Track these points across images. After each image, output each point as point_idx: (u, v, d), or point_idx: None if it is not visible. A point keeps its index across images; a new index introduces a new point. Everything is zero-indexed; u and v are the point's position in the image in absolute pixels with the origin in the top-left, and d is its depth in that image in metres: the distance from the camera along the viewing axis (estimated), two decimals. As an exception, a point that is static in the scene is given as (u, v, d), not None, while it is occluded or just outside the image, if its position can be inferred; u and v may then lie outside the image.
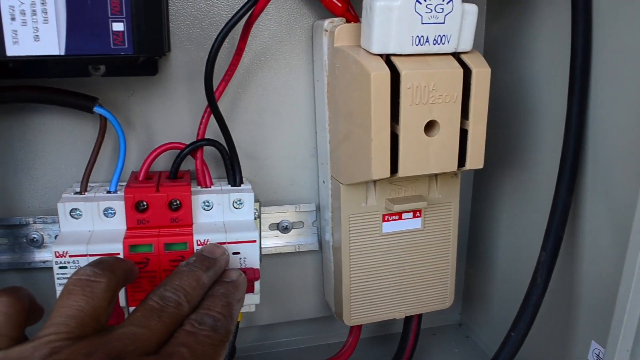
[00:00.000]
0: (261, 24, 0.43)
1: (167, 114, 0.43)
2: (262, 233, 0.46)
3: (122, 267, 0.31)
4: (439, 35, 0.35)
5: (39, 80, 0.39)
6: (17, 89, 0.38)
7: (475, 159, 0.38)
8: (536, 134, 0.44)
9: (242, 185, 0.41)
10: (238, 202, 0.40)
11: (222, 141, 0.41)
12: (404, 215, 0.43)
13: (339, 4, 0.39)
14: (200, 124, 0.41)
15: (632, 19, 0.34)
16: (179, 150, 0.40)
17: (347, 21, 0.39)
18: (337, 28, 0.38)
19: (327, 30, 0.40)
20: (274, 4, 0.43)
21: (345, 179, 0.41)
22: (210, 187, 0.41)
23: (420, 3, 0.34)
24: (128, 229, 0.37)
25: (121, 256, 0.36)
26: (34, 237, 0.43)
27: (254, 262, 0.37)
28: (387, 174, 0.36)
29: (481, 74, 0.36)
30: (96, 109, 0.38)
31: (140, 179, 0.39)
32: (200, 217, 0.39)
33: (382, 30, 0.34)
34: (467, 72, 0.36)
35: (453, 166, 0.38)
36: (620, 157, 0.36)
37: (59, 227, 0.37)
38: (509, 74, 0.47)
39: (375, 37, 0.35)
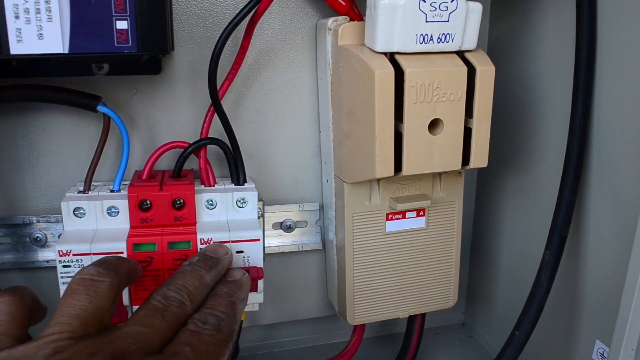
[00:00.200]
0: (265, 22, 0.43)
1: (171, 113, 0.43)
2: (265, 232, 0.46)
3: (126, 266, 0.31)
4: (443, 34, 0.35)
5: (43, 79, 0.39)
6: (21, 87, 0.38)
7: (480, 158, 0.38)
8: (540, 133, 0.44)
9: (245, 184, 0.41)
10: (241, 201, 0.40)
11: (226, 140, 0.41)
12: (408, 214, 0.43)
13: (343, 3, 0.39)
14: (204, 122, 0.41)
15: (636, 18, 0.34)
16: (182, 149, 0.40)
17: (351, 20, 0.39)
18: (341, 27, 0.38)
19: (330, 29, 0.40)
20: (277, 3, 0.43)
21: (349, 177, 0.41)
22: (213, 186, 0.41)
23: (424, 1, 0.34)
24: (131, 227, 0.37)
25: (125, 255, 0.35)
26: (38, 237, 0.43)
27: (257, 260, 0.37)
28: (391, 172, 0.36)
29: (485, 72, 0.36)
30: (99, 108, 0.38)
31: (144, 177, 0.39)
32: (204, 216, 0.39)
33: (386, 29, 0.34)
34: (471, 71, 0.36)
35: (457, 165, 0.38)
36: (625, 157, 0.36)
37: (63, 226, 0.37)
38: (512, 73, 0.47)
39: (380, 36, 0.35)
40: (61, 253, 0.35)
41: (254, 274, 0.36)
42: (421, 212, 0.43)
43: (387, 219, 0.43)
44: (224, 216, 0.40)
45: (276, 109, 0.45)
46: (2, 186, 0.42)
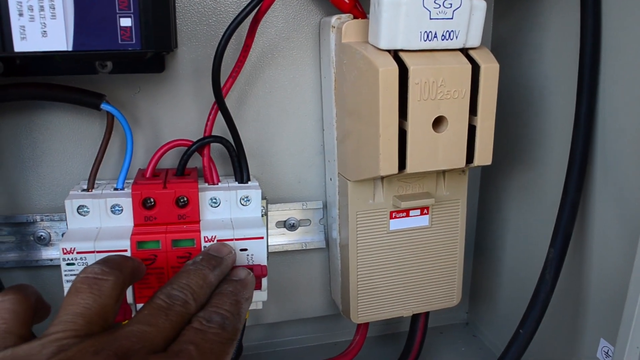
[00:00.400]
0: (268, 20, 0.43)
1: (174, 111, 0.43)
2: (268, 231, 0.46)
3: (130, 265, 0.31)
4: (447, 31, 0.35)
5: (46, 77, 0.39)
6: (24, 86, 0.38)
7: (484, 156, 0.38)
8: (544, 131, 0.44)
9: (249, 182, 0.41)
10: (245, 199, 0.40)
11: (229, 138, 0.41)
12: (412, 213, 0.43)
13: (347, 0, 0.39)
14: (208, 120, 0.41)
15: (641, 15, 0.34)
16: (186, 148, 0.40)
17: (355, 17, 0.39)
18: (344, 24, 0.38)
19: (334, 27, 0.40)
20: (281, 1, 0.43)
21: (353, 175, 0.41)
22: (217, 184, 0.41)
23: (428, -2, 0.34)
24: (135, 225, 0.37)
25: (129, 253, 0.35)
26: (41, 235, 0.43)
27: (261, 258, 0.37)
28: (395, 170, 0.36)
29: (490, 69, 0.36)
30: (103, 106, 0.38)
31: (148, 176, 0.39)
32: (208, 214, 0.39)
33: (390, 26, 0.34)
34: (475, 68, 0.36)
35: (461, 162, 0.38)
36: (629, 154, 0.36)
37: (67, 224, 0.37)
38: (516, 71, 0.46)
39: (383, 33, 0.34)
40: (65, 251, 0.35)
41: (257, 272, 0.36)
42: (425, 211, 0.43)
43: (391, 217, 0.43)
44: (228, 214, 0.40)
45: (279, 107, 0.45)
46: (6, 185, 0.42)
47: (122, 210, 0.38)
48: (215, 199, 0.39)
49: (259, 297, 0.39)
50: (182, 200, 0.38)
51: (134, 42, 0.31)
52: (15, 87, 0.38)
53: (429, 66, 0.35)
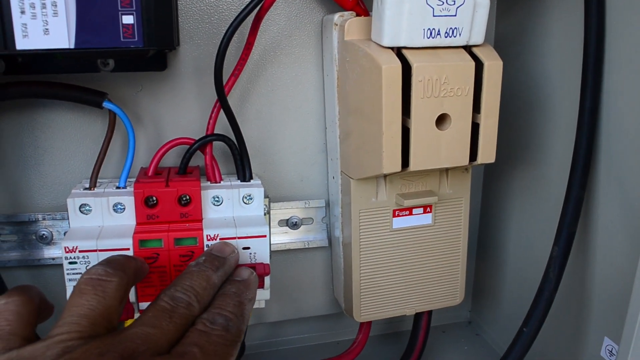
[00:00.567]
0: (271, 18, 0.42)
1: (176, 109, 0.43)
2: (271, 229, 0.46)
3: (133, 265, 0.31)
4: (451, 28, 0.35)
5: (48, 76, 0.39)
6: (26, 84, 0.38)
7: (487, 153, 0.38)
8: (548, 129, 0.44)
9: (251, 181, 0.41)
10: (248, 197, 0.40)
11: (232, 136, 0.41)
12: (415, 211, 0.43)
13: (349, -2, 0.39)
14: (210, 119, 0.41)
15: (646, 11, 0.34)
16: (188, 146, 0.40)
17: (357, 15, 0.39)
18: (347, 22, 0.38)
19: (337, 24, 0.39)
20: (283, -1, 0.42)
21: (356, 173, 0.40)
22: (219, 182, 0.41)
23: (431, -5, 0.34)
24: (138, 224, 0.37)
25: (131, 252, 0.35)
26: (43, 234, 0.43)
27: (264, 257, 0.37)
28: (398, 168, 0.36)
29: (493, 67, 0.36)
30: (105, 104, 0.38)
31: (150, 174, 0.39)
32: (210, 212, 0.39)
33: (393, 23, 0.34)
34: (478, 65, 0.36)
35: (464, 160, 0.37)
36: (633, 152, 0.36)
37: (69, 222, 0.37)
38: (520, 69, 0.46)
39: (386, 30, 0.34)
40: (67, 249, 0.35)
41: (260, 270, 0.36)
42: (428, 209, 0.43)
43: (394, 216, 0.42)
44: (230, 212, 0.39)
45: (282, 105, 0.45)
46: (7, 183, 0.42)
47: (124, 208, 0.37)
48: (218, 197, 0.39)
49: (262, 296, 0.39)
50: (184, 199, 0.38)
51: (136, 39, 0.31)
52: (17, 85, 0.38)
53: (433, 63, 0.35)
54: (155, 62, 0.40)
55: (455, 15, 0.35)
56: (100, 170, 0.39)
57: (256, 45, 0.42)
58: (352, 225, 0.42)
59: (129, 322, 0.37)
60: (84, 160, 0.42)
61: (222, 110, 0.40)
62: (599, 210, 0.39)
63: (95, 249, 0.35)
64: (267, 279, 0.38)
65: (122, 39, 0.31)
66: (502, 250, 0.52)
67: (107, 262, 0.30)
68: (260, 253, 0.37)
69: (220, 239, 0.36)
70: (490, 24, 0.49)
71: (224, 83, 0.40)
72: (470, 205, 0.45)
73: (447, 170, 0.43)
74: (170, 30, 0.32)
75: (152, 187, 0.37)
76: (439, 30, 0.35)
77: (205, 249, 0.36)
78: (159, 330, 0.27)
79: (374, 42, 0.36)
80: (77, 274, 0.35)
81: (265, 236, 0.37)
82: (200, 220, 0.38)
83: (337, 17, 0.39)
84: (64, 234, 0.42)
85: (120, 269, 0.29)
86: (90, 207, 0.37)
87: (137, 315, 0.36)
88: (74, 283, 0.35)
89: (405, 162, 0.36)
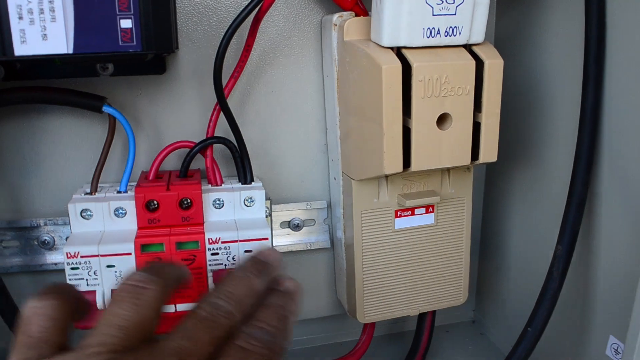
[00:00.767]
0: (269, 20, 0.42)
1: (176, 113, 0.43)
2: (273, 231, 0.46)
3: (174, 272, 0.29)
4: (451, 27, 0.35)
5: (47, 81, 0.39)
6: (25, 90, 0.38)
7: (489, 152, 0.38)
8: (550, 126, 0.44)
9: (252, 183, 0.41)
10: (249, 200, 0.40)
11: (232, 139, 0.41)
12: (417, 211, 0.43)
13: (348, -2, 0.39)
14: (210, 121, 0.41)
15: (647, 7, 0.34)
16: (188, 149, 0.40)
17: (357, 15, 0.39)
18: (346, 22, 0.38)
19: (336, 25, 0.39)
20: (281, 0, 0.42)
21: (357, 174, 0.40)
22: (220, 185, 0.41)
23: (430, -6, 0.34)
24: (139, 228, 0.37)
25: (133, 256, 0.35)
26: (45, 239, 0.43)
27: (266, 260, 0.37)
28: (400, 168, 0.36)
29: (494, 65, 0.36)
30: (105, 109, 0.38)
31: (151, 178, 0.39)
32: (212, 216, 0.39)
33: (393, 23, 0.34)
34: (479, 64, 0.36)
35: (466, 160, 0.37)
36: (637, 148, 0.36)
37: (70, 228, 0.37)
38: (520, 66, 0.46)
39: (386, 30, 0.34)
40: (69, 255, 0.35)
41: None
42: (430, 209, 0.43)
43: (396, 216, 0.42)
44: (232, 215, 0.39)
45: (282, 107, 0.44)
46: (8, 189, 0.42)
47: (125, 213, 0.37)
48: (219, 200, 0.39)
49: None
50: (185, 202, 0.38)
51: (134, 43, 0.31)
52: (16, 91, 0.38)
53: (433, 63, 0.34)
54: (154, 65, 0.40)
55: (455, 14, 0.35)
56: (101, 174, 0.39)
57: (255, 47, 0.42)
58: (354, 226, 0.42)
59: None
60: (84, 165, 0.42)
61: (222, 113, 0.40)
62: (602, 208, 0.39)
63: (96, 254, 0.35)
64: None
65: (120, 43, 0.31)
66: (505, 249, 0.52)
67: (147, 268, 0.28)
68: (262, 256, 0.37)
69: (222, 242, 0.36)
70: (491, 22, 0.48)
71: (224, 85, 0.39)
72: (473, 205, 0.45)
73: (449, 169, 0.43)
74: (168, 33, 0.32)
75: (153, 191, 0.37)
76: (438, 30, 0.35)
77: (208, 252, 0.36)
78: (195, 343, 0.25)
79: (374, 42, 0.36)
80: (79, 279, 0.35)
81: (267, 239, 0.37)
82: (202, 224, 0.38)
83: (336, 17, 0.39)
84: (66, 239, 0.42)
85: (160, 276, 0.27)
86: (91, 212, 0.37)
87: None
88: (77, 288, 0.35)
89: (406, 162, 0.36)
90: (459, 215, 0.44)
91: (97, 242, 0.35)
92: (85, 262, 0.35)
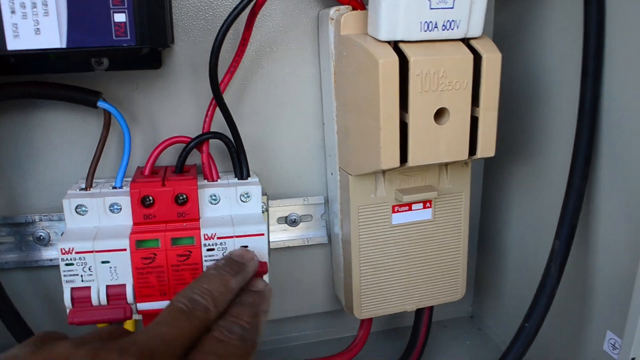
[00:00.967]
0: (266, 13, 0.42)
1: (172, 108, 0.42)
2: (270, 227, 0.46)
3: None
4: (448, 21, 0.34)
5: (42, 76, 0.39)
6: (20, 85, 0.38)
7: (487, 147, 0.37)
8: (548, 120, 0.44)
9: (249, 179, 0.41)
10: (245, 196, 0.39)
11: (228, 134, 0.41)
12: (414, 206, 0.42)
13: (345, -8, 0.38)
14: (206, 117, 0.40)
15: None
16: (184, 144, 0.40)
17: (354, 9, 0.38)
18: (343, 16, 0.38)
19: (333, 19, 0.39)
20: (278, -7, 0.42)
21: (354, 170, 0.40)
22: (216, 180, 0.40)
23: (428, -12, 0.33)
24: (134, 224, 0.37)
25: (128, 252, 0.35)
26: (41, 235, 0.43)
27: (262, 255, 0.37)
28: (397, 163, 0.36)
29: (492, 59, 0.36)
30: (100, 104, 0.38)
31: (146, 173, 0.39)
32: (207, 211, 0.39)
33: (390, 17, 0.34)
34: (477, 58, 0.35)
35: (464, 154, 0.37)
36: (636, 143, 0.35)
37: (65, 223, 0.37)
38: (519, 60, 0.46)
39: (383, 24, 0.34)
40: (64, 251, 0.34)
41: (258, 269, 0.36)
42: (428, 204, 0.43)
43: (393, 212, 0.42)
44: (228, 211, 0.39)
45: (279, 102, 0.44)
46: (3, 185, 0.42)
47: (120, 208, 0.37)
48: (215, 195, 0.39)
49: (261, 295, 0.39)
50: (181, 198, 0.37)
51: (128, 38, 0.31)
52: (10, 86, 0.37)
53: (430, 57, 0.34)
54: (149, 60, 0.40)
55: (452, 8, 0.34)
56: (96, 170, 0.39)
57: (252, 41, 0.41)
58: (352, 221, 0.42)
59: (128, 323, 0.37)
60: (79, 161, 0.42)
61: (218, 108, 0.40)
62: (601, 203, 0.39)
63: (91, 250, 0.35)
64: (265, 278, 0.38)
65: (114, 38, 0.31)
66: (503, 244, 0.52)
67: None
68: (258, 251, 0.37)
69: (217, 238, 0.36)
70: (489, 15, 0.48)
71: (220, 80, 0.39)
72: (471, 200, 0.44)
73: (446, 164, 0.42)
74: (163, 28, 0.32)
75: (149, 187, 0.37)
76: (436, 23, 0.34)
77: (204, 248, 0.36)
78: (177, 330, 0.26)
79: (371, 36, 0.35)
80: (73, 275, 0.35)
81: (263, 234, 0.37)
82: (198, 220, 0.38)
83: (333, 11, 0.39)
84: (61, 234, 0.41)
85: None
86: (86, 207, 0.37)
87: (135, 316, 0.36)
88: (72, 284, 0.35)
89: (403, 157, 0.36)
90: (457, 210, 0.44)
91: (92, 238, 0.35)
92: (80, 258, 0.35)
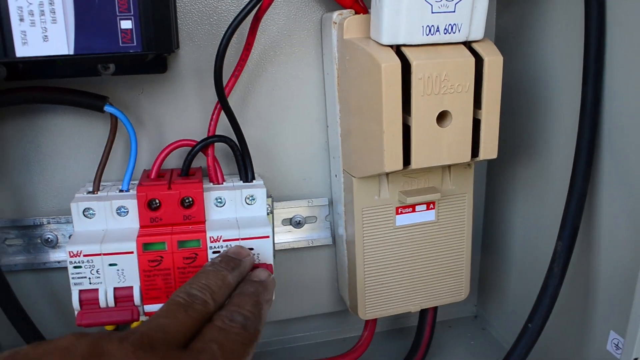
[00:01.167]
0: (270, 18, 0.42)
1: (178, 111, 0.43)
2: (275, 228, 0.46)
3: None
4: (450, 24, 0.35)
5: (49, 81, 0.39)
6: (28, 90, 0.38)
7: (489, 149, 0.38)
8: (550, 122, 0.44)
9: (254, 181, 0.41)
10: (250, 198, 0.40)
11: (233, 137, 0.41)
12: (418, 208, 0.43)
13: (348, -4, 0.39)
14: (211, 120, 0.41)
15: (646, 3, 0.34)
16: (190, 148, 0.40)
17: (356, 13, 0.39)
18: (346, 20, 0.38)
19: (336, 23, 0.39)
20: (281, -2, 0.42)
21: (358, 172, 0.40)
22: (222, 183, 0.41)
23: (430, -8, 0.34)
24: (141, 227, 0.37)
25: (135, 255, 0.35)
26: (49, 238, 0.43)
27: (267, 257, 0.37)
28: (400, 166, 0.36)
29: (493, 62, 0.36)
30: (106, 108, 0.38)
31: (152, 177, 0.39)
32: (213, 214, 0.39)
33: (392, 21, 0.34)
34: (479, 61, 0.36)
35: (466, 157, 0.37)
36: (637, 143, 0.36)
37: (73, 226, 0.37)
38: (520, 62, 0.46)
39: (385, 28, 0.34)
40: (72, 254, 0.35)
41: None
42: (431, 205, 0.43)
43: (397, 213, 0.42)
44: (233, 213, 0.40)
45: (283, 105, 0.45)
46: (12, 188, 0.42)
47: (127, 211, 0.38)
48: (221, 198, 0.39)
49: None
50: (187, 201, 0.38)
51: (134, 44, 0.31)
52: (18, 91, 0.38)
53: (432, 60, 0.34)
54: (155, 64, 0.40)
55: (454, 12, 0.35)
56: (103, 173, 0.39)
57: (256, 45, 0.42)
58: (356, 223, 0.42)
59: (135, 325, 0.37)
60: (86, 164, 0.42)
61: (223, 111, 0.40)
62: (603, 203, 0.39)
63: (99, 252, 0.35)
64: (271, 279, 0.38)
65: (120, 44, 0.31)
66: (507, 244, 0.52)
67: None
68: (263, 254, 0.37)
69: (223, 240, 0.37)
70: (491, 18, 0.48)
71: (225, 84, 0.40)
72: (474, 201, 0.45)
73: (449, 166, 0.43)
74: (168, 33, 0.32)
75: (155, 190, 0.37)
76: (437, 27, 0.35)
77: (210, 250, 0.36)
78: (176, 320, 0.27)
79: (373, 40, 0.36)
80: (81, 278, 0.35)
81: (268, 237, 0.37)
82: (204, 222, 0.38)
83: (335, 15, 0.39)
84: (69, 237, 0.42)
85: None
86: (93, 211, 0.37)
87: (142, 318, 0.37)
88: (80, 287, 0.36)
89: (406, 160, 0.36)
90: (460, 211, 0.44)
91: (99, 240, 0.36)
92: (87, 261, 0.35)
